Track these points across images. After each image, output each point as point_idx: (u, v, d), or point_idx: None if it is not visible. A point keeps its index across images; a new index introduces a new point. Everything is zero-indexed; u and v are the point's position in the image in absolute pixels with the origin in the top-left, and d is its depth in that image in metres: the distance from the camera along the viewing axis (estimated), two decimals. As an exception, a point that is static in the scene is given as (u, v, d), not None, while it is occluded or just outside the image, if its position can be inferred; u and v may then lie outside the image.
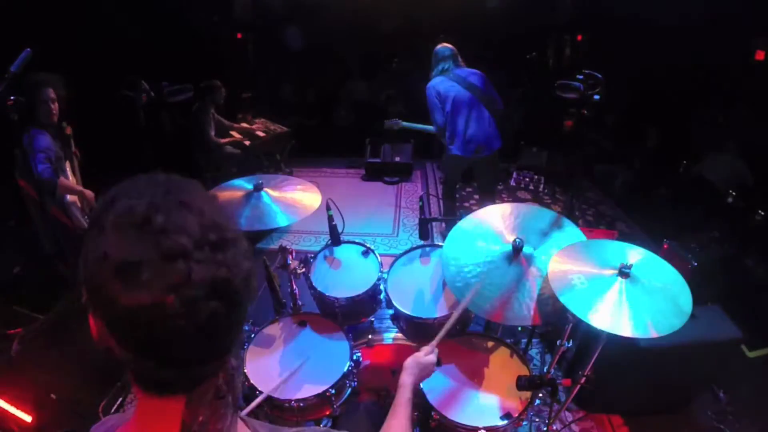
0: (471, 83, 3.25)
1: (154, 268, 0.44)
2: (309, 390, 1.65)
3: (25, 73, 1.77)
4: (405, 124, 3.60)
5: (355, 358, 1.79)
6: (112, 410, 2.35)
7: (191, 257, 0.46)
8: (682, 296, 1.39)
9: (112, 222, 0.47)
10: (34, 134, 2.37)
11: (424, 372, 1.21)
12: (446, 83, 3.27)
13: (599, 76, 2.07)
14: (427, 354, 1.24)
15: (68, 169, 2.65)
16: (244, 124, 4.97)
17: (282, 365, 1.76)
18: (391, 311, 2.05)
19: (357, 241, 2.32)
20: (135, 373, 0.53)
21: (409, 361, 1.21)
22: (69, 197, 2.61)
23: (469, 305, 1.63)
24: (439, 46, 3.37)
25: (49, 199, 2.42)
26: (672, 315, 1.34)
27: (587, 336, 2.19)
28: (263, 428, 0.66)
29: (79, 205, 2.65)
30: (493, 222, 1.79)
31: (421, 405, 1.61)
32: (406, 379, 1.15)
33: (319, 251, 2.28)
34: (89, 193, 2.62)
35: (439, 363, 1.72)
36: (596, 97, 2.07)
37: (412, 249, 2.25)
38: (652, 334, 1.29)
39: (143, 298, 0.44)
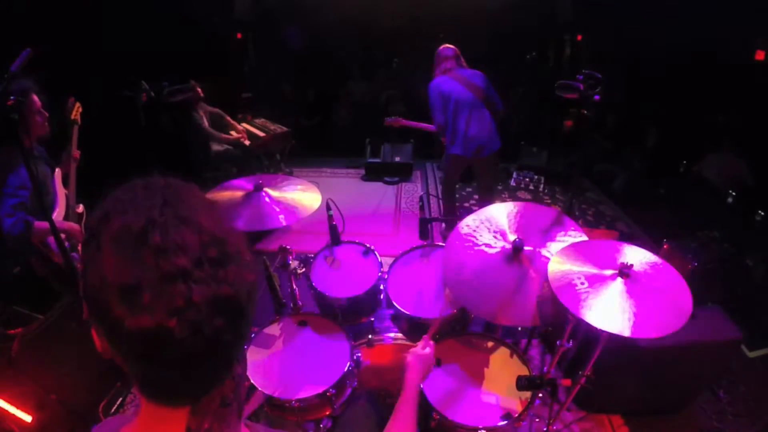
0: (473, 83, 3.26)
1: (154, 291, 0.43)
2: (309, 390, 1.64)
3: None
4: (406, 122, 3.62)
5: (355, 358, 1.79)
6: (112, 410, 2.36)
7: (191, 277, 0.44)
8: (682, 296, 1.39)
9: (109, 241, 0.46)
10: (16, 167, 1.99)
11: (426, 366, 1.21)
12: (449, 83, 3.28)
13: (599, 76, 2.07)
14: (423, 348, 1.23)
15: (57, 181, 2.34)
16: (235, 132, 4.97)
17: (282, 365, 1.77)
18: (391, 311, 2.06)
19: (357, 241, 2.32)
20: (140, 382, 0.52)
21: (412, 359, 1.21)
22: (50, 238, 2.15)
23: (467, 305, 1.64)
24: (441, 47, 3.38)
25: (21, 252, 2.13)
26: (672, 315, 1.33)
27: (587, 336, 2.19)
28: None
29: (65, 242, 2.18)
30: (494, 221, 1.79)
31: (421, 405, 1.60)
32: (413, 377, 1.16)
33: (319, 251, 2.28)
34: (76, 228, 2.26)
35: (438, 363, 1.73)
36: (596, 97, 2.07)
37: (412, 249, 2.26)
38: (652, 334, 1.29)
39: (146, 322, 0.43)
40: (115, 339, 0.47)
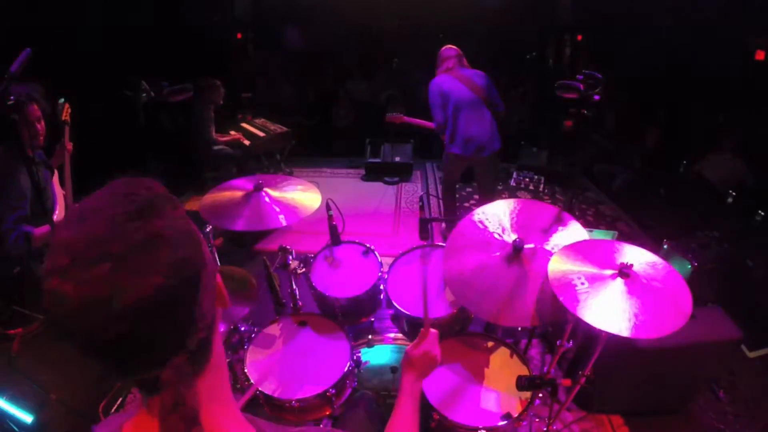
0: (474, 83, 3.26)
1: (44, 283, 0.47)
2: (309, 390, 1.65)
3: None
4: (407, 118, 3.61)
5: (355, 358, 1.79)
6: (112, 410, 2.35)
7: (65, 274, 0.46)
8: (682, 296, 1.39)
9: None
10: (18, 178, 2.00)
11: (421, 364, 1.18)
12: (450, 81, 3.28)
13: (599, 76, 2.07)
14: (415, 346, 1.21)
15: (56, 183, 2.37)
16: (232, 132, 4.99)
17: (282, 365, 1.77)
18: (391, 311, 2.06)
19: (357, 241, 2.32)
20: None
21: (403, 360, 1.21)
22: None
23: (467, 305, 1.64)
24: (444, 48, 3.39)
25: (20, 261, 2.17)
26: (672, 315, 1.33)
27: (587, 336, 2.19)
28: (269, 428, 0.66)
29: None
30: (495, 219, 1.79)
31: (421, 405, 1.60)
32: (407, 378, 1.16)
33: (319, 251, 2.28)
34: None
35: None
36: (596, 97, 2.07)
37: (412, 249, 2.26)
38: (652, 334, 1.29)
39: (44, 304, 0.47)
40: None
